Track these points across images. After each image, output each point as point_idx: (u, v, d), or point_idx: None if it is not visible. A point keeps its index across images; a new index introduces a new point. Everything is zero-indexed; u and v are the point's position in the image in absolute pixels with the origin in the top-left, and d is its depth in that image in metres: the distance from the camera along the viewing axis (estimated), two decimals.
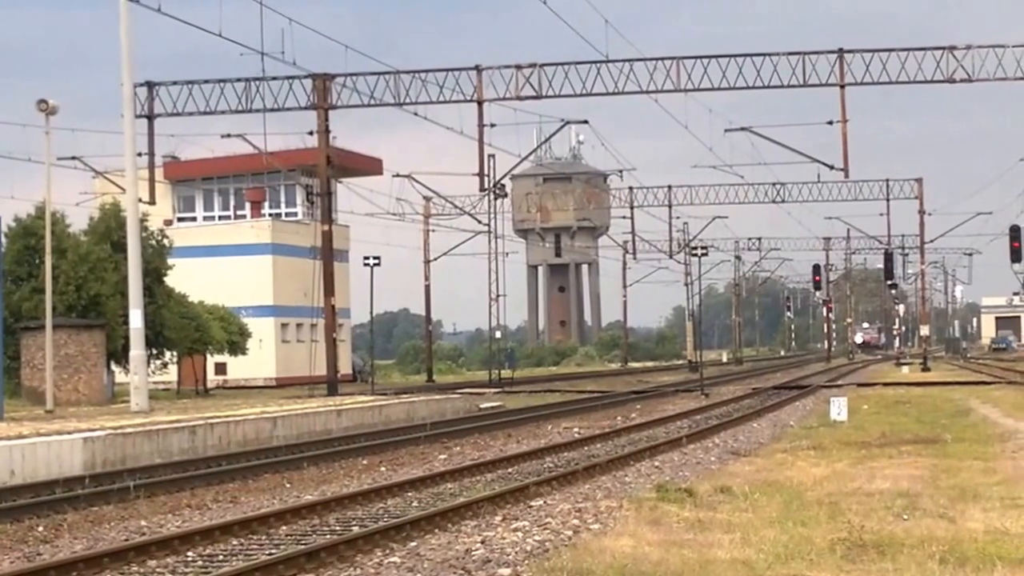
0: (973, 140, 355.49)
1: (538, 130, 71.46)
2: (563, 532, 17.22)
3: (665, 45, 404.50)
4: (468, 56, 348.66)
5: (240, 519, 18.95)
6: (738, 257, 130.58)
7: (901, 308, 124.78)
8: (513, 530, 17.53)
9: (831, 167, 57.66)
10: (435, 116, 56.46)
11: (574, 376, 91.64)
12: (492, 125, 56.08)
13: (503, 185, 79.99)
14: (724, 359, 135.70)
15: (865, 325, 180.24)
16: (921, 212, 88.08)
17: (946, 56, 53.41)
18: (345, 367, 79.46)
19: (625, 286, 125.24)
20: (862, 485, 20.91)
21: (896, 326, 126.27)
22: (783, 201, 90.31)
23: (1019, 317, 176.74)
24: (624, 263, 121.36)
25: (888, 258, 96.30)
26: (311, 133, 56.77)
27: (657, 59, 54.35)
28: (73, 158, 60.93)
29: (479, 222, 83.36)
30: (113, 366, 53.97)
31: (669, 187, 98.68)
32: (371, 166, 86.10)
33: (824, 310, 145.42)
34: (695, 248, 65.81)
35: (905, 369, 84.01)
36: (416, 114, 55.55)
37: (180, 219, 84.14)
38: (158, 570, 15.82)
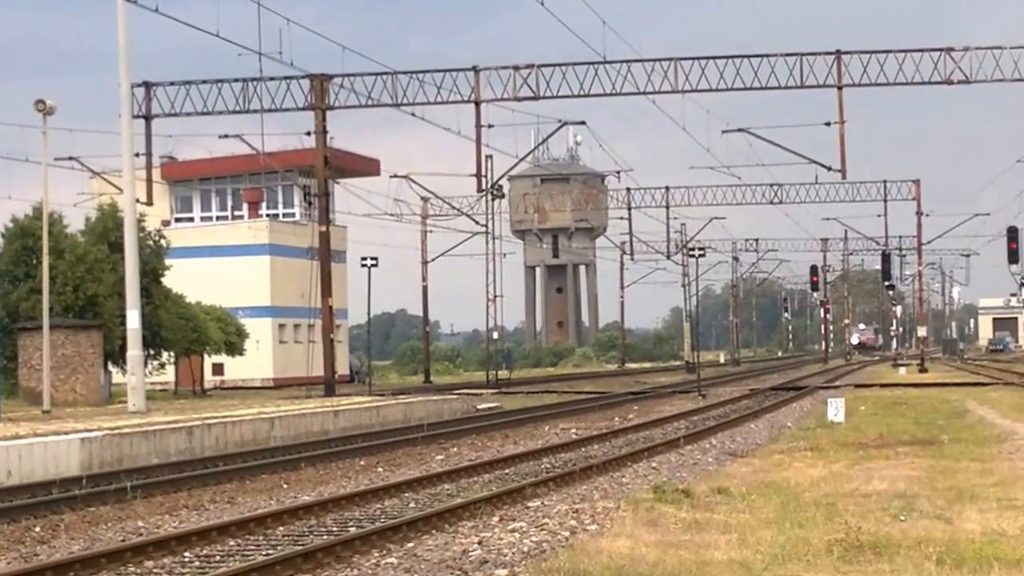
0: (971, 141, 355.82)
1: (536, 131, 71.50)
2: (560, 533, 17.22)
3: (663, 46, 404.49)
4: (466, 57, 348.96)
5: (237, 520, 18.95)
6: (735, 258, 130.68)
7: (898, 309, 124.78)
8: (510, 531, 17.53)
9: (828, 168, 57.69)
10: (433, 117, 56.51)
11: (571, 377, 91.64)
12: (490, 126, 56.14)
13: (501, 186, 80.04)
14: (721, 360, 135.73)
15: (862, 326, 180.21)
16: (918, 213, 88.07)
17: (944, 58, 53.45)
18: (342, 368, 79.43)
19: (622, 287, 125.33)
20: (859, 486, 20.92)
21: (894, 327, 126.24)
22: (780, 202, 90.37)
23: (1016, 318, 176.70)
24: (621, 264, 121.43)
25: (885, 259, 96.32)
26: (309, 134, 56.79)
27: (655, 60, 54.40)
28: (70, 158, 60.95)
29: (477, 223, 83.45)
30: (110, 366, 53.96)
31: (667, 188, 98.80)
32: (369, 167, 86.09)
33: (821, 311, 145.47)
34: (692, 249, 65.84)
35: (902, 370, 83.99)
36: (414, 115, 55.59)
37: (177, 220, 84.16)
38: (155, 571, 15.82)
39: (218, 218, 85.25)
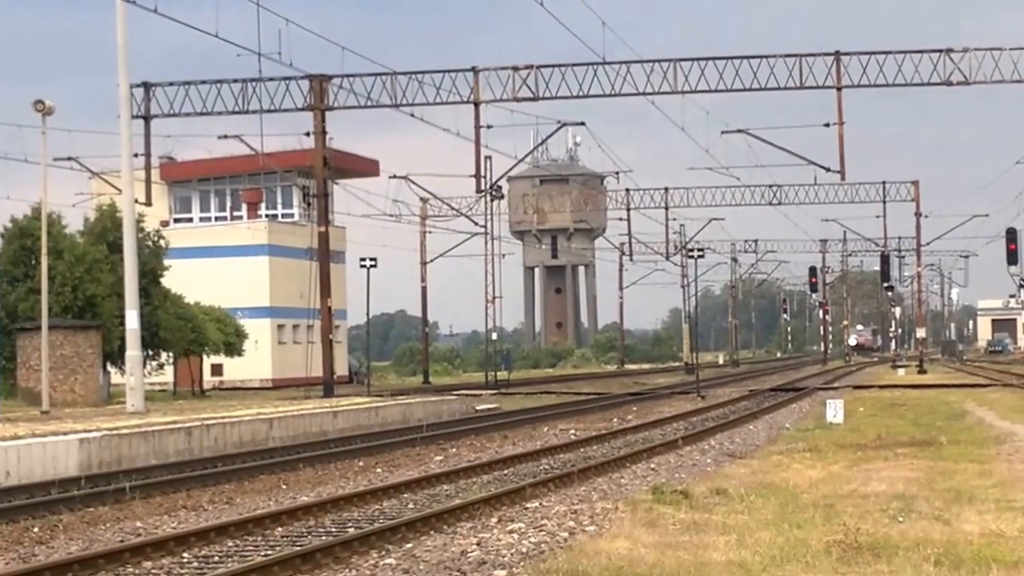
0: (970, 143, 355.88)
1: (535, 132, 71.52)
2: (559, 534, 17.22)
3: (662, 47, 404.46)
4: (465, 57, 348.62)
5: (236, 520, 18.94)
6: (734, 259, 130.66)
7: (897, 310, 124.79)
8: (509, 532, 17.53)
9: (828, 169, 57.67)
10: (432, 117, 56.50)
11: (570, 378, 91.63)
12: (489, 127, 56.15)
13: (500, 187, 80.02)
14: (720, 361, 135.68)
15: (859, 327, 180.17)
16: (917, 214, 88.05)
17: (943, 59, 53.45)
18: (341, 368, 79.47)
19: (621, 288, 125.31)
20: (858, 487, 20.91)
21: (892, 328, 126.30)
22: (779, 203, 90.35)
23: (1015, 320, 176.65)
24: (621, 265, 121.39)
25: (884, 260, 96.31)
26: (308, 134, 56.78)
27: (654, 61, 54.40)
28: (69, 159, 60.94)
29: (476, 224, 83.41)
30: (109, 367, 53.94)
31: (666, 189, 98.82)
32: (368, 167, 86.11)
33: (820, 312, 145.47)
34: (691, 250, 65.84)
35: (901, 371, 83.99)
36: (413, 115, 55.59)
37: (176, 220, 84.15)
38: (154, 571, 15.82)
39: (217, 219, 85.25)
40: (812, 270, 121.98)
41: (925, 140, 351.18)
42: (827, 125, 55.22)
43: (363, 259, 61.48)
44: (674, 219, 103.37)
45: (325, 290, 56.26)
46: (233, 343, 65.96)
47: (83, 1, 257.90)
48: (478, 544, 16.55)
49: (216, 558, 16.60)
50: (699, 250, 65.48)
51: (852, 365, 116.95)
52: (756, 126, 62.35)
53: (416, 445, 34.23)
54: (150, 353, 56.44)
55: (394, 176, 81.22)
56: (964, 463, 24.33)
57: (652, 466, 26.82)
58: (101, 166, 63.13)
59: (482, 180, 60.95)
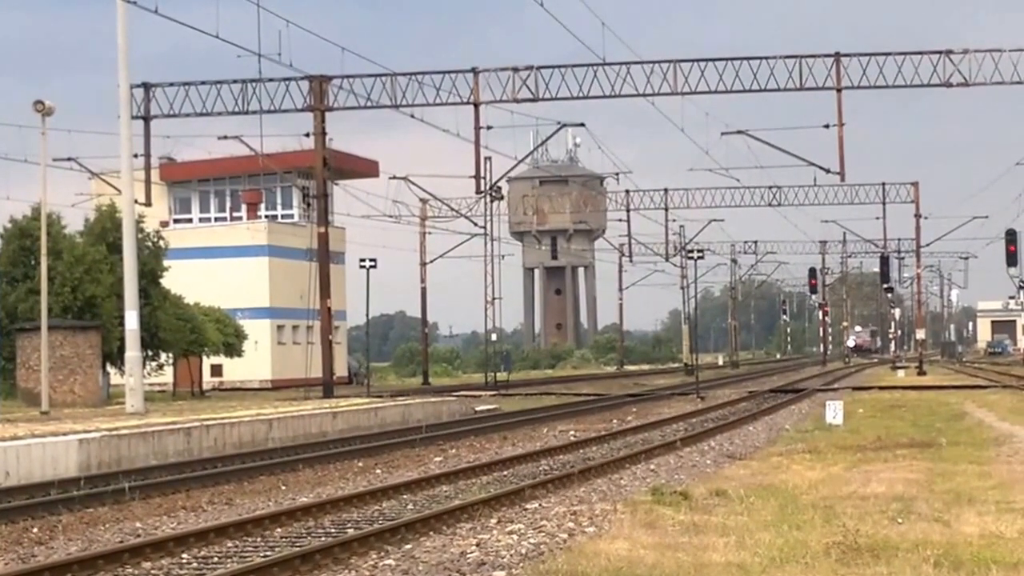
0: (969, 144, 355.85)
1: (535, 133, 71.66)
2: (558, 535, 17.22)
3: (662, 48, 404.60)
4: (465, 58, 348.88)
5: (235, 521, 18.94)
6: (734, 260, 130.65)
7: (897, 312, 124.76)
8: (508, 533, 17.52)
9: (827, 171, 57.71)
10: (432, 118, 56.51)
11: (570, 379, 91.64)
12: (489, 127, 56.18)
13: (499, 187, 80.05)
14: (720, 362, 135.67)
15: (858, 329, 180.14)
16: (917, 216, 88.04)
17: (943, 60, 53.47)
18: (341, 369, 79.47)
19: (621, 289, 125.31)
20: (857, 489, 20.91)
21: (892, 330, 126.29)
22: (779, 204, 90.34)
23: (1015, 321, 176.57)
24: (620, 266, 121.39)
25: (884, 262, 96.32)
26: (307, 135, 56.82)
27: (654, 62, 54.41)
28: (69, 159, 60.96)
29: (475, 224, 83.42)
30: (109, 368, 53.92)
31: (665, 190, 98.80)
32: (367, 168, 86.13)
33: (820, 314, 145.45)
34: (691, 251, 65.82)
35: (901, 373, 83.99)
36: (413, 116, 55.62)
37: (176, 221, 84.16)
38: (153, 572, 15.81)
39: (217, 219, 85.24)
40: (812, 271, 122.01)
41: (925, 141, 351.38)
42: (827, 126, 55.28)
43: (363, 260, 61.49)
44: (674, 220, 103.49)
45: (325, 291, 56.27)
46: (232, 344, 65.96)
47: (83, 1, 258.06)
48: (477, 545, 16.55)
49: (215, 559, 16.59)
50: (699, 251, 65.47)
51: (851, 366, 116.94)
52: (756, 127, 62.64)
53: (415, 446, 34.23)
54: (149, 354, 56.45)
55: (394, 177, 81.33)
56: (964, 465, 24.33)
57: (652, 467, 26.82)
58: (101, 167, 63.22)
59: (482, 181, 60.97)
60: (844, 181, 60.72)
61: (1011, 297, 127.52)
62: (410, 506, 21.46)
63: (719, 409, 48.11)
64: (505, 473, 26.52)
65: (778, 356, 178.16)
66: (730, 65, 54.00)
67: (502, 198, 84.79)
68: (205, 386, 68.02)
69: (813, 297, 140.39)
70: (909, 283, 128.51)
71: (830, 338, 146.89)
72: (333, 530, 18.73)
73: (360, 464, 29.66)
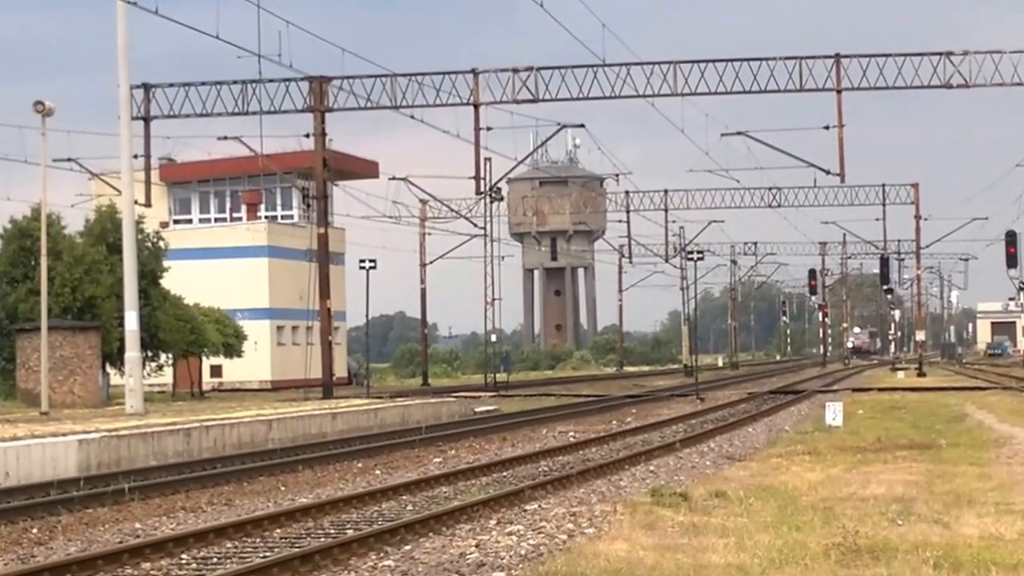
0: (970, 145, 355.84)
1: (534, 133, 71.61)
2: (558, 536, 17.21)
3: (662, 49, 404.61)
4: (465, 59, 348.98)
5: (234, 522, 18.93)
6: (734, 261, 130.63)
7: (897, 313, 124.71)
8: (508, 534, 17.52)
9: (827, 172, 57.73)
10: (432, 119, 56.53)
11: (569, 380, 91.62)
12: (489, 128, 56.19)
13: (499, 188, 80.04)
14: (720, 363, 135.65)
15: (856, 330, 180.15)
16: (917, 217, 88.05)
17: (943, 62, 53.47)
18: (340, 370, 79.47)
19: (621, 290, 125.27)
20: (857, 490, 20.91)
21: (892, 331, 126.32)
22: (779, 205, 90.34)
23: (1015, 323, 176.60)
24: (620, 267, 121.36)
25: (884, 263, 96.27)
26: (307, 136, 56.81)
27: (654, 63, 54.41)
28: (69, 160, 60.91)
29: (475, 225, 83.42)
30: (108, 368, 53.92)
31: (665, 191, 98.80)
32: (367, 169, 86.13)
33: (820, 315, 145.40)
34: (691, 252, 65.77)
35: (901, 374, 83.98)
36: (413, 117, 55.63)
37: (176, 221, 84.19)
38: (152, 572, 15.81)
39: (216, 220, 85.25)
40: (811, 272, 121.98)
41: (925, 143, 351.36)
42: (827, 127, 55.28)
43: (362, 260, 61.47)
44: (673, 221, 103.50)
45: (324, 291, 56.26)
46: (232, 344, 65.96)
47: (84, 2, 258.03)
48: (477, 546, 16.55)
49: (215, 559, 16.59)
50: (698, 252, 65.44)
51: (851, 368, 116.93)
52: (756, 128, 62.54)
53: (415, 447, 34.22)
54: (149, 354, 56.44)
55: (394, 178, 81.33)
56: (963, 466, 24.33)
57: (651, 468, 26.81)
58: (101, 167, 63.18)
59: (482, 182, 60.96)
60: (844, 182, 60.66)
61: (1011, 298, 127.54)
62: (409, 507, 21.46)
63: (719, 410, 48.10)
64: (504, 474, 26.51)
65: (778, 357, 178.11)
66: (730, 66, 54.03)
67: (502, 199, 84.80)
68: (205, 387, 68.01)
69: (813, 298, 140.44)
70: (909, 284, 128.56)
71: (830, 339, 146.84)
72: (332, 531, 18.73)
73: (359, 465, 29.66)
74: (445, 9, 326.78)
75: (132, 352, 40.70)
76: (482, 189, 63.78)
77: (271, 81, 54.79)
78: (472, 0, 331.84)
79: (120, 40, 41.03)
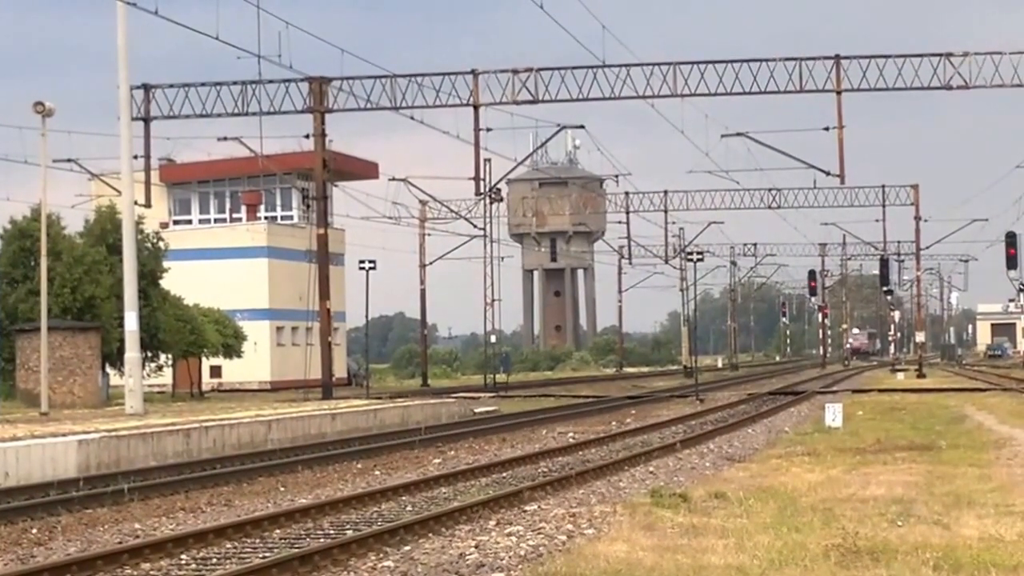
0: (970, 147, 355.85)
1: (534, 134, 71.53)
2: (557, 537, 17.21)
3: (661, 50, 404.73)
4: (464, 60, 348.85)
5: (234, 522, 18.93)
6: (734, 262, 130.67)
7: (897, 314, 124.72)
8: (507, 535, 17.52)
9: (827, 173, 57.70)
10: (431, 120, 56.73)
11: (569, 381, 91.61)
12: (488, 129, 56.17)
13: (499, 189, 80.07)
14: (719, 365, 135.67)
15: (855, 331, 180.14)
16: (917, 218, 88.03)
17: (943, 63, 53.46)
18: (340, 371, 79.46)
19: (620, 291, 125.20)
20: (856, 491, 20.91)
21: (892, 332, 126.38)
22: (779, 207, 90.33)
23: (1015, 324, 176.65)
24: (620, 268, 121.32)
25: (884, 264, 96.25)
26: (307, 136, 56.80)
27: (654, 64, 54.38)
28: (69, 160, 60.87)
29: (475, 226, 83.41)
30: (108, 368, 53.93)
31: (665, 192, 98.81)
32: (367, 170, 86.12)
33: (820, 316, 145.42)
34: (691, 253, 65.74)
35: (900, 375, 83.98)
36: (412, 118, 55.63)
37: (176, 222, 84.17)
38: (152, 573, 15.81)
39: (216, 220, 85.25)
40: (811, 273, 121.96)
41: (925, 144, 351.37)
42: (827, 129, 55.25)
43: (362, 261, 61.45)
44: (673, 222, 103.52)
45: (324, 292, 56.25)
46: (232, 345, 65.96)
47: (84, 2, 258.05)
48: (476, 547, 16.55)
49: (214, 560, 16.59)
50: (698, 253, 65.44)
51: (851, 369, 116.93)
52: (756, 129, 62.72)
53: (414, 447, 34.22)
54: (149, 355, 56.44)
55: (393, 179, 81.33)
56: (963, 467, 24.33)
57: (650, 469, 26.81)
58: (101, 168, 63.17)
59: (481, 183, 60.94)
60: (844, 183, 60.57)
61: (1011, 300, 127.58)
62: (409, 508, 21.45)
63: (718, 411, 48.10)
64: (504, 475, 26.51)
65: (777, 358, 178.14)
66: (730, 67, 54.00)
67: (502, 200, 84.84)
68: (204, 387, 68.00)
69: (813, 299, 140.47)
70: (909, 285, 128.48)
71: (829, 340, 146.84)
72: (332, 531, 18.73)
73: (359, 465, 29.66)
74: (445, 10, 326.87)
75: (132, 352, 40.70)
76: (482, 190, 63.77)
77: (271, 82, 54.81)
78: (472, 1, 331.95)
79: (120, 40, 41.04)
